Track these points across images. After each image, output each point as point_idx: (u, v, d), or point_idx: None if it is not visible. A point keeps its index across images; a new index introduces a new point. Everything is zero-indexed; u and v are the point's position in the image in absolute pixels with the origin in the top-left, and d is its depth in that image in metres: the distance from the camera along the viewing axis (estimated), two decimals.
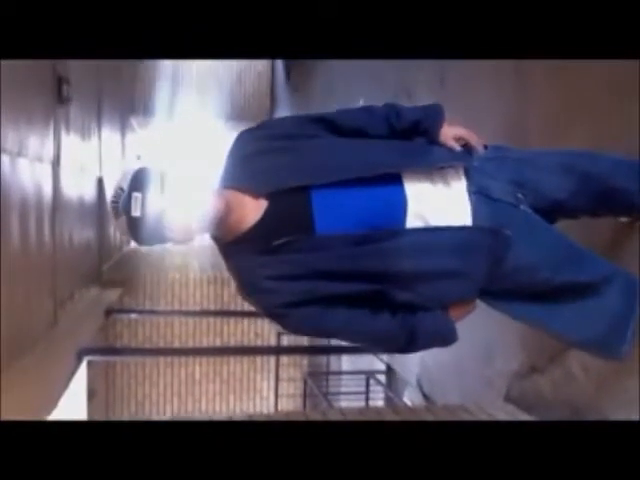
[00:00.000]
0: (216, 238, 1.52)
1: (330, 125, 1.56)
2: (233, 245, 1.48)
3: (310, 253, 1.42)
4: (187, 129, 11.19)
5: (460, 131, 1.58)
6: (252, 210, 1.45)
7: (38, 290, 4.23)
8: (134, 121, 10.32)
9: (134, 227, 1.37)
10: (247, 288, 1.49)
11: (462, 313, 1.57)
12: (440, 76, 3.87)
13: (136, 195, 1.34)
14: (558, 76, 2.69)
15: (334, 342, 6.82)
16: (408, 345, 1.53)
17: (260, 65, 11.43)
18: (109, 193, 1.43)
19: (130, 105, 9.87)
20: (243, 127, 1.63)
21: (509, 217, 1.53)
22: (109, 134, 7.34)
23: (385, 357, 5.16)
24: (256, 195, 1.46)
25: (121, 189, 1.38)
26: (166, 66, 10.89)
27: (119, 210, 1.38)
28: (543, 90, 2.85)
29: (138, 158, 10.00)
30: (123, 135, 8.86)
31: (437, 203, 1.49)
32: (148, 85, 10.72)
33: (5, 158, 3.53)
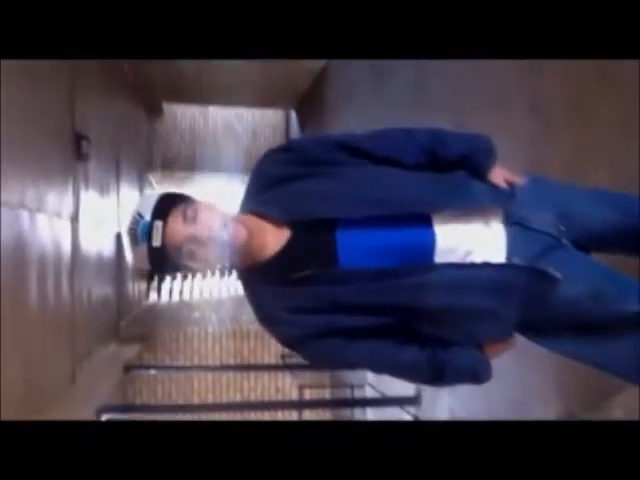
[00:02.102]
0: (235, 265, 1.47)
1: (361, 153, 1.48)
2: (252, 272, 1.42)
3: (331, 286, 1.36)
4: (204, 184, 11.31)
5: (510, 175, 1.50)
6: (274, 238, 1.39)
7: (56, 347, 4.19)
8: (152, 177, 10.47)
9: (155, 257, 1.31)
10: (265, 318, 1.44)
11: (498, 350, 1.49)
12: (455, 122, 3.86)
13: (157, 224, 1.29)
14: (576, 119, 2.66)
15: (358, 394, 6.68)
16: (436, 380, 1.46)
17: (274, 119, 11.60)
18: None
19: (148, 161, 10.02)
20: None
21: (548, 249, 1.46)
22: (127, 190, 7.42)
23: (412, 409, 5.00)
24: (278, 222, 1.40)
25: (139, 215, 1.32)
26: (183, 124, 11.10)
27: (138, 238, 1.31)
28: (562, 134, 2.82)
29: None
30: (141, 191, 8.95)
31: (469, 236, 1.43)
32: (165, 142, 10.90)
33: (24, 214, 3.54)
